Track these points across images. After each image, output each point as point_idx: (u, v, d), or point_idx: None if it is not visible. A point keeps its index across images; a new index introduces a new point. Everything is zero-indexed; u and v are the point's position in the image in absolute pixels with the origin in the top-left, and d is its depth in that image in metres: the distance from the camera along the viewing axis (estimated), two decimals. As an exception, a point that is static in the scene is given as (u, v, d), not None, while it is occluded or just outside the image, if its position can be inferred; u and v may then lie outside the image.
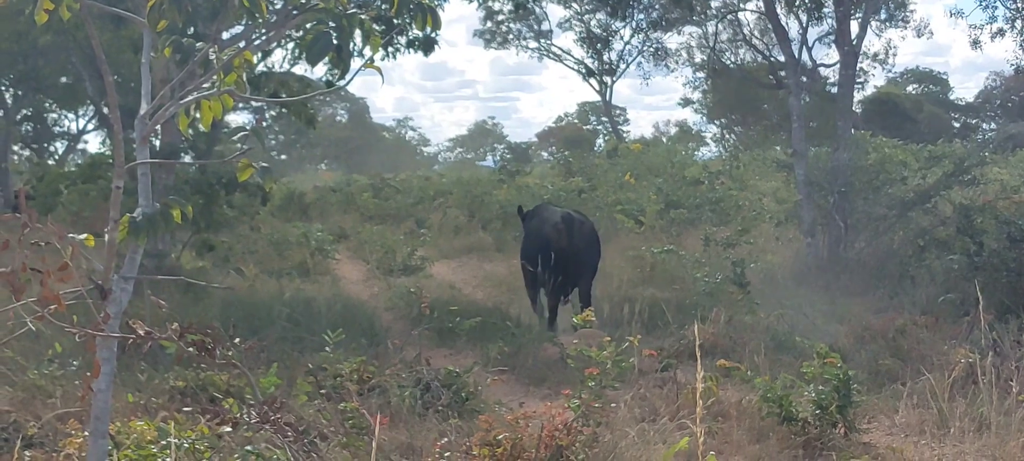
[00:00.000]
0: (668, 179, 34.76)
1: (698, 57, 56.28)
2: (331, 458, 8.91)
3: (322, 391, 11.41)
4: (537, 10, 66.06)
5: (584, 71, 68.54)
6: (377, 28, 6.41)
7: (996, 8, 30.52)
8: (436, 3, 6.62)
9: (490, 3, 61.09)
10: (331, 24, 6.24)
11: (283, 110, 33.67)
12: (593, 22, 63.75)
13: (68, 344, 9.74)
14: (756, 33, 47.12)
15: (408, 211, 37.86)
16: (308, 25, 6.38)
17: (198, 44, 6.76)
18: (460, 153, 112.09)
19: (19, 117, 41.58)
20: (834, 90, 23.71)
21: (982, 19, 68.44)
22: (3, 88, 38.76)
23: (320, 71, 28.95)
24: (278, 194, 36.11)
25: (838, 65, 22.81)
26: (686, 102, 66.74)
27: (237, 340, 7.59)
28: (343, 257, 28.33)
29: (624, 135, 73.62)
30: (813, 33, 25.61)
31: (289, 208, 38.14)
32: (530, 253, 18.07)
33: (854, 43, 21.75)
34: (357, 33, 6.31)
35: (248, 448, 8.26)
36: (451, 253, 26.40)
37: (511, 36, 67.37)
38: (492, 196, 33.43)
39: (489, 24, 66.36)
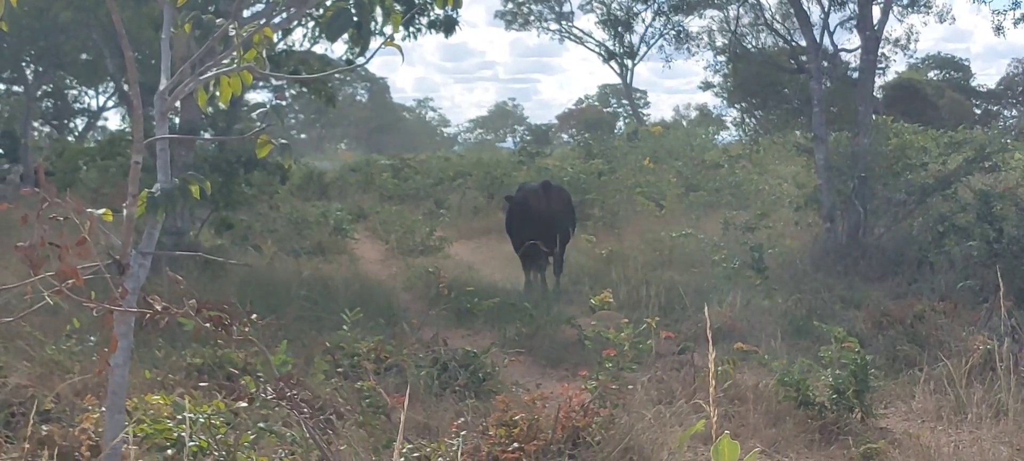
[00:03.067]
0: (688, 162, 34.76)
1: (719, 41, 56.14)
2: (347, 436, 8.92)
3: (339, 370, 11.42)
4: (559, -9, 66.21)
5: (605, 54, 68.57)
6: (398, 7, 6.40)
7: (1020, -6, 30.42)
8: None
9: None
10: (351, 1, 6.23)
11: (303, 89, 33.71)
12: (614, 4, 63.70)
13: (86, 319, 9.75)
14: (778, 17, 46.99)
15: (427, 191, 37.93)
16: (328, 2, 6.37)
17: (218, 20, 6.76)
18: (480, 134, 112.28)
19: (39, 93, 41.71)
20: (855, 75, 23.64)
21: (1005, 4, 68.38)
22: (24, 64, 38.86)
23: (340, 50, 29.08)
24: (297, 173, 36.21)
25: (860, 50, 22.72)
26: (707, 86, 66.51)
27: (254, 316, 7.57)
28: (362, 237, 28.40)
29: (645, 118, 73.75)
30: (835, 18, 25.52)
31: (309, 187, 38.25)
32: (516, 219, 19.67)
33: (876, 28, 21.68)
34: (378, 11, 6.30)
35: (263, 425, 8.28)
36: (470, 234, 26.46)
37: (532, 17, 67.45)
38: (512, 177, 33.46)
39: (510, 5, 66.45)
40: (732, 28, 42.06)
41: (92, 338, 11.36)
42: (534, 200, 19.45)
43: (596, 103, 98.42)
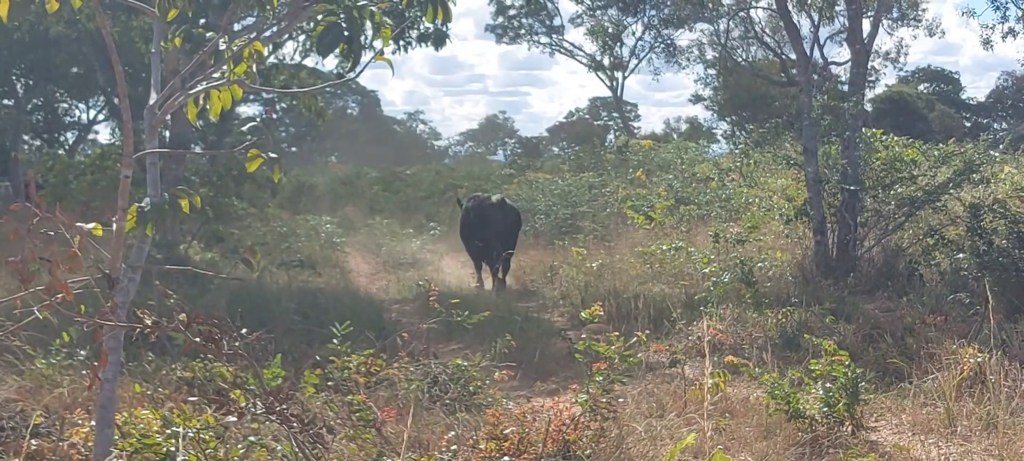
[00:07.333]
0: (678, 175, 34.72)
1: (710, 54, 56.41)
2: (338, 451, 8.91)
3: (329, 383, 11.40)
4: (549, 6, 66.33)
5: (594, 66, 68.72)
6: (388, 21, 6.41)
7: (1007, 8, 30.52)
8: (447, -4, 6.63)
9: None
10: (342, 16, 6.24)
11: (293, 102, 33.77)
12: (605, 18, 63.91)
13: (76, 333, 9.77)
14: (768, 31, 47.15)
15: (418, 204, 37.89)
16: (319, 17, 6.38)
17: (208, 34, 6.76)
18: (471, 147, 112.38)
19: (30, 107, 41.63)
20: (845, 88, 23.63)
21: (993, 19, 68.59)
22: (14, 78, 38.80)
23: (331, 64, 29.19)
24: (288, 186, 36.20)
25: (850, 63, 22.73)
26: (697, 99, 66.90)
27: (243, 330, 7.57)
28: (352, 250, 28.38)
29: (635, 131, 73.81)
30: (825, 31, 25.54)
31: (299, 200, 38.21)
32: (471, 228, 22.83)
33: (866, 41, 21.67)
34: (368, 25, 6.31)
35: (252, 439, 8.25)
36: (460, 247, 26.39)
37: (523, 31, 67.58)
38: (503, 190, 33.41)
39: (500, 19, 66.57)
40: (722, 41, 42.03)
41: (82, 352, 11.35)
42: (490, 213, 22.68)
43: (587, 116, 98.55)
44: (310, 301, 17.51)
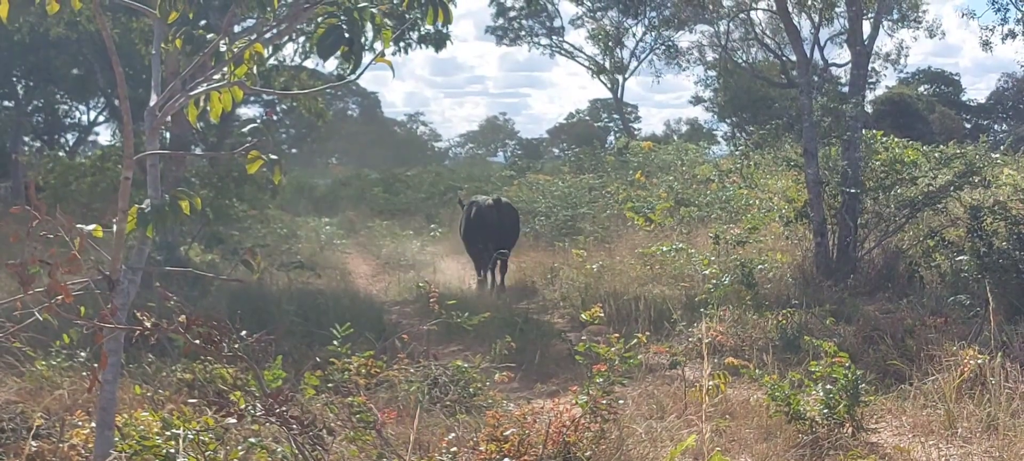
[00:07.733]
0: (679, 177, 34.70)
1: (710, 55, 56.50)
2: (338, 452, 8.90)
3: (330, 385, 11.39)
4: (549, 8, 66.37)
5: (595, 68, 68.77)
6: (388, 22, 6.41)
7: (1007, 10, 30.49)
8: (448, -2, 6.63)
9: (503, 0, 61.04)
10: (342, 18, 6.24)
11: (294, 104, 33.78)
12: (605, 20, 63.96)
13: (76, 335, 9.76)
14: (768, 32, 47.20)
15: (418, 206, 37.89)
16: (319, 18, 6.38)
17: (209, 36, 6.76)
18: (471, 148, 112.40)
19: (30, 108, 41.59)
20: (845, 90, 23.59)
21: (993, 21, 68.60)
22: (15, 79, 38.77)
23: (331, 65, 29.25)
24: (288, 188, 36.22)
25: (850, 65, 22.70)
26: (697, 100, 66.98)
27: (243, 332, 7.57)
28: (352, 251, 28.38)
29: (635, 132, 73.84)
30: (825, 33, 25.51)
31: (299, 202, 38.23)
32: (472, 229, 22.96)
33: (866, 43, 21.65)
34: (368, 27, 6.31)
35: (252, 440, 8.25)
36: (460, 248, 26.40)
37: (523, 33, 67.62)
38: (503, 192, 33.40)
39: (501, 21, 66.62)
40: (722, 43, 41.97)
41: (82, 354, 11.35)
42: (488, 214, 22.84)
43: (587, 118, 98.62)
44: (310, 303, 17.51)
